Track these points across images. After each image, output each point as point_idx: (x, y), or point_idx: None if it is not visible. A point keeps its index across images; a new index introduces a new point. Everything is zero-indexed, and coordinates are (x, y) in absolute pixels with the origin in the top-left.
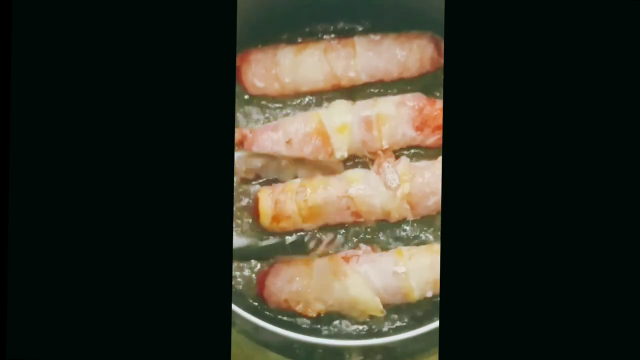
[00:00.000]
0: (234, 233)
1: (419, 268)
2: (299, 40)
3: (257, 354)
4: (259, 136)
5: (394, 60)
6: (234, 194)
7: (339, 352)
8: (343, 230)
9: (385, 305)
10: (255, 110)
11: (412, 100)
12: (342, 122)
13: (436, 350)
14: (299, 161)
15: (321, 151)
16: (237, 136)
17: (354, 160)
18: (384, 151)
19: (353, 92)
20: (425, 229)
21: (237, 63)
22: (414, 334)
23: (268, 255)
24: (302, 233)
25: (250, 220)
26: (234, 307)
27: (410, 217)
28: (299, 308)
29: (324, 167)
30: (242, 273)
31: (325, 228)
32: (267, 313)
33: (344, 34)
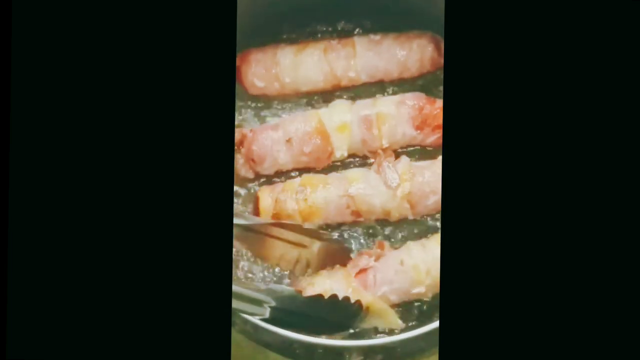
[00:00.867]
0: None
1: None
2: (299, 40)
3: (257, 354)
4: (259, 135)
5: (394, 60)
6: (234, 193)
7: (339, 352)
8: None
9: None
10: (255, 110)
11: (412, 100)
12: (342, 121)
13: (436, 350)
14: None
15: (321, 150)
16: (237, 136)
17: (353, 159)
18: (384, 150)
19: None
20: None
21: (237, 63)
22: (414, 334)
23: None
24: None
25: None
26: (234, 307)
27: (410, 217)
28: None
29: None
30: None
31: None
32: None
33: (344, 34)
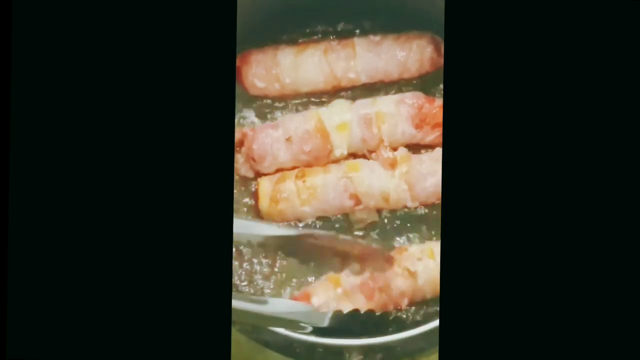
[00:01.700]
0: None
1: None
2: (299, 41)
3: (257, 353)
4: (259, 134)
5: (394, 61)
6: (234, 193)
7: (339, 352)
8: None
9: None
10: (255, 110)
11: (411, 98)
12: (341, 120)
13: (436, 349)
14: None
15: (321, 149)
16: (238, 135)
17: (353, 158)
18: (384, 146)
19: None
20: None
21: (238, 64)
22: (414, 333)
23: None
24: None
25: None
26: (234, 306)
27: (409, 203)
28: None
29: None
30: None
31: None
32: None
33: (344, 35)
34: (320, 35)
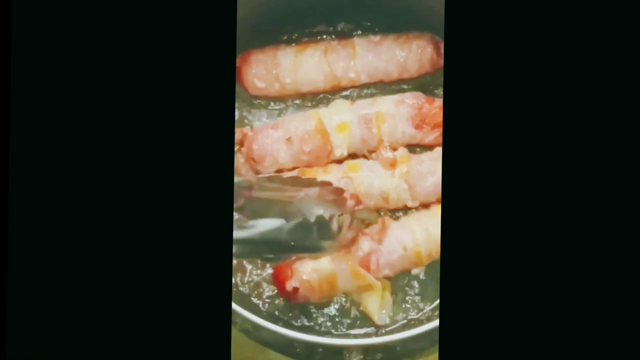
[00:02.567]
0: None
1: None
2: (299, 41)
3: (257, 353)
4: (259, 134)
5: (394, 61)
6: (234, 193)
7: (339, 351)
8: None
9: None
10: (255, 110)
11: (411, 99)
12: (341, 120)
13: (436, 349)
14: None
15: (321, 149)
16: (238, 135)
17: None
18: (384, 146)
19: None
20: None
21: (238, 64)
22: (414, 333)
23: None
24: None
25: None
26: (234, 306)
27: (409, 202)
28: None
29: None
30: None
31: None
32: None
33: (344, 35)
34: (320, 36)
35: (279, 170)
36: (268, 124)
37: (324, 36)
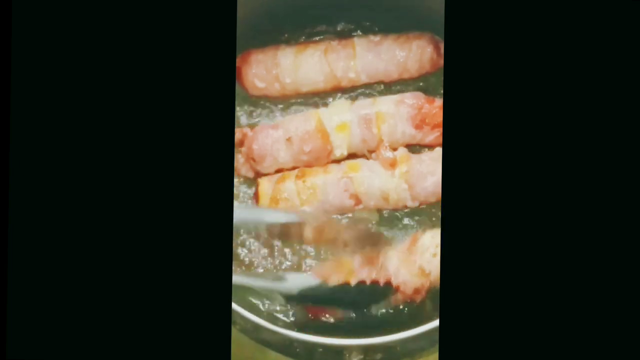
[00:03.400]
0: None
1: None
2: (299, 41)
3: (257, 353)
4: (259, 134)
5: (394, 61)
6: (234, 192)
7: (339, 351)
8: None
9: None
10: (255, 110)
11: (411, 99)
12: (341, 120)
13: (436, 349)
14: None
15: (321, 149)
16: (238, 135)
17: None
18: (384, 146)
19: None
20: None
21: (238, 64)
22: (414, 333)
23: None
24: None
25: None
26: (234, 306)
27: (409, 202)
28: None
29: None
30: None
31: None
32: None
33: (344, 35)
34: (320, 36)
35: (279, 170)
36: (268, 124)
37: (324, 36)
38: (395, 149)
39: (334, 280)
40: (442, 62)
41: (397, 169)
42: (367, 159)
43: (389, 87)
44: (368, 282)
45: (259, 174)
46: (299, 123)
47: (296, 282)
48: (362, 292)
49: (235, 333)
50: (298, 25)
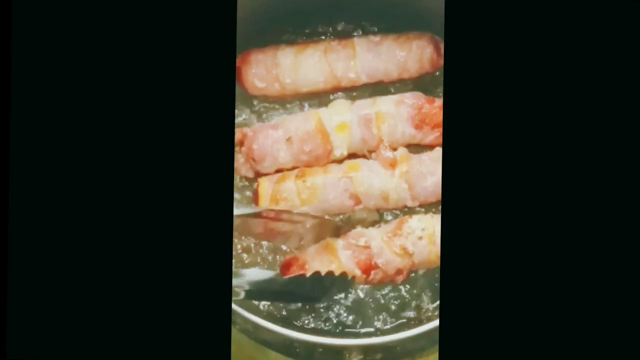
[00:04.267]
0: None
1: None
2: (299, 41)
3: (257, 353)
4: (259, 134)
5: (394, 61)
6: (234, 192)
7: (339, 351)
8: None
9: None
10: (255, 110)
11: (411, 99)
12: (341, 120)
13: (436, 349)
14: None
15: (321, 149)
16: (238, 135)
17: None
18: (384, 146)
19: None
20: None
21: (238, 64)
22: (414, 333)
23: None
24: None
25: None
26: (234, 307)
27: (409, 202)
28: None
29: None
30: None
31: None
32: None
33: (344, 35)
34: (320, 36)
35: (279, 170)
36: (268, 124)
37: (324, 36)
38: (395, 149)
39: (317, 264)
40: (442, 62)
41: (397, 169)
42: (367, 159)
43: (389, 87)
44: (323, 273)
45: (259, 174)
46: (299, 123)
47: (251, 275)
48: (318, 283)
49: (235, 333)
50: (298, 25)
